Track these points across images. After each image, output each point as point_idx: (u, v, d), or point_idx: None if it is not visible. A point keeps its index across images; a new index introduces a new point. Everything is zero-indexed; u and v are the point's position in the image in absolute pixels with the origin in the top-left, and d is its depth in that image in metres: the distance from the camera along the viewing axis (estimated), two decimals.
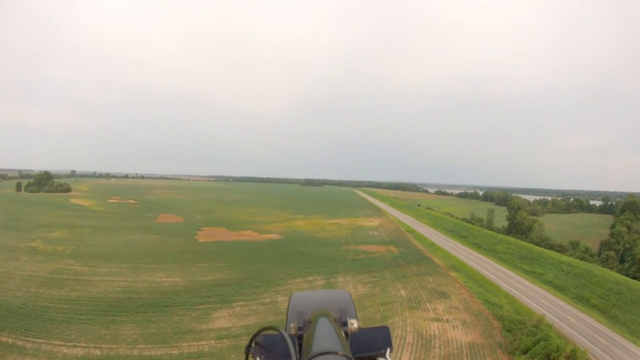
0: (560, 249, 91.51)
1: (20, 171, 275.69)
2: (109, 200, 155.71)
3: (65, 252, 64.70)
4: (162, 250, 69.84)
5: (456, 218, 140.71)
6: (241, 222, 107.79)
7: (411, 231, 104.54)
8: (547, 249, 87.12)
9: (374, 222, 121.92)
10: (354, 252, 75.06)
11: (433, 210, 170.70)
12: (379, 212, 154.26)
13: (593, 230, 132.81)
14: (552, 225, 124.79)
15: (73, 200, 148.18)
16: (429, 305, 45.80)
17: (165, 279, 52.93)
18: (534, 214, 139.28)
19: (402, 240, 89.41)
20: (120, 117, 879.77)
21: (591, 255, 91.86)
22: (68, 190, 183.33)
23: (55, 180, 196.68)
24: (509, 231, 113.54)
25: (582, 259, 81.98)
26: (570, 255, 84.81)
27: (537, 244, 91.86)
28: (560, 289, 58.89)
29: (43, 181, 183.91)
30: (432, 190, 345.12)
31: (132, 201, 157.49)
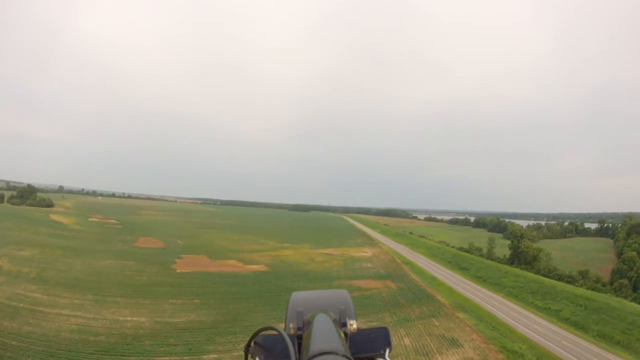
0: (570, 280, 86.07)
1: (7, 182, 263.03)
2: (90, 219, 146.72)
3: (30, 275, 57.91)
4: (133, 281, 61.87)
5: (452, 247, 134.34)
6: (225, 250, 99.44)
7: (408, 263, 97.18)
8: (556, 280, 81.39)
9: (367, 252, 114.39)
10: (348, 288, 64.80)
11: (427, 238, 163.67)
12: (370, 241, 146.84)
13: (594, 255, 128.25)
14: (552, 251, 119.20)
15: (53, 216, 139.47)
16: (439, 358, 38.77)
17: (129, 318, 45.15)
18: (531, 240, 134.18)
19: (399, 274, 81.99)
20: (111, 135, 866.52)
21: (603, 285, 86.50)
22: (51, 205, 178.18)
23: (39, 194, 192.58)
24: (511, 261, 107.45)
25: (593, 289, 76.62)
26: (581, 285, 79.27)
27: (545, 275, 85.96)
28: (580, 327, 53.50)
29: (26, 194, 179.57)
30: (421, 217, 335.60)
31: (113, 221, 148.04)
